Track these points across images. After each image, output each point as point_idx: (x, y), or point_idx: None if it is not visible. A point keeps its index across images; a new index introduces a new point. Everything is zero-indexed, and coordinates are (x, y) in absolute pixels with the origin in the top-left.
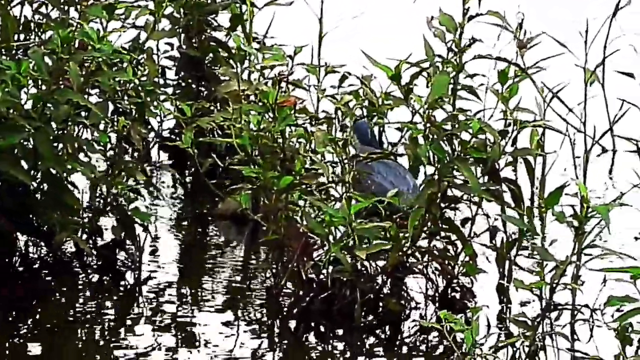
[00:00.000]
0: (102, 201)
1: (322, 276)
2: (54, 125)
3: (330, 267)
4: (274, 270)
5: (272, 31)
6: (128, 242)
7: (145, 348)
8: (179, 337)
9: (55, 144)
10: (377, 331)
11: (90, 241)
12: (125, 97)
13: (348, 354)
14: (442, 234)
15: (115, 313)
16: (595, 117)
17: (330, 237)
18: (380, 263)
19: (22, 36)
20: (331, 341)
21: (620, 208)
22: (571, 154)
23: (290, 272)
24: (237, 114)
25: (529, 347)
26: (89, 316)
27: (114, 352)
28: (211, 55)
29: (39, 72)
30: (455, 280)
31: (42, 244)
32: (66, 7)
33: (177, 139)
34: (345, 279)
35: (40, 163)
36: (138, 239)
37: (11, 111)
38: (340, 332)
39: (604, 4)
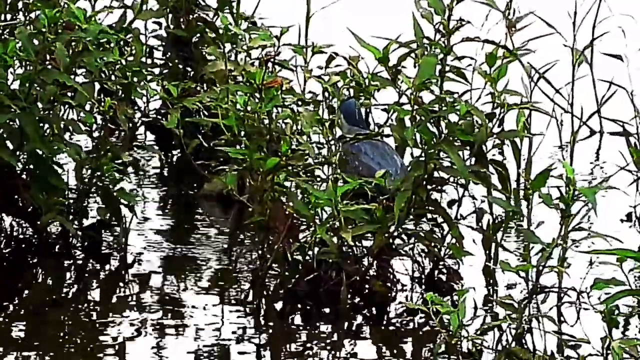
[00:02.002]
0: (87, 182)
1: (308, 258)
2: (40, 105)
3: (316, 249)
4: (259, 252)
5: (260, 11)
6: (114, 223)
7: (131, 330)
8: (165, 318)
9: (41, 125)
10: (364, 313)
11: (76, 222)
12: (112, 78)
13: (334, 336)
14: (429, 216)
15: (101, 294)
16: (583, 99)
17: (316, 219)
18: (367, 244)
19: (8, 16)
20: (317, 323)
21: (606, 191)
22: (558, 136)
23: (276, 253)
24: (223, 95)
25: (516, 330)
26: (74, 297)
27: (99, 333)
28: (198, 35)
29: (25, 53)
30: (441, 262)
31: (27, 225)
32: None
33: (164, 119)
34: (331, 260)
35: (25, 144)
36: (124, 220)
37: None
38: (326, 313)
39: None
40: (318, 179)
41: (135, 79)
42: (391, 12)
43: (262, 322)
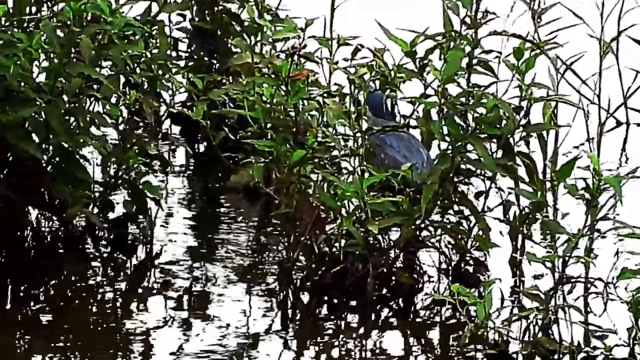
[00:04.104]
0: (113, 175)
1: (334, 250)
2: (65, 98)
3: (343, 241)
4: (286, 244)
5: (285, 3)
6: (140, 216)
7: (157, 322)
8: (191, 311)
9: (67, 118)
10: (390, 304)
11: (102, 215)
12: (137, 70)
13: (361, 328)
14: (456, 208)
15: (127, 287)
16: (610, 90)
17: (343, 211)
18: (393, 237)
19: (34, 9)
20: (344, 314)
21: (633, 181)
22: (585, 127)
23: (302, 245)
24: (249, 87)
25: (542, 320)
26: (100, 290)
27: (125, 325)
28: (223, 27)
29: (50, 45)
30: (468, 254)
31: (54, 218)
32: None
33: (189, 112)
34: (357, 252)
35: (51, 137)
36: (149, 212)
37: (23, 84)
38: (353, 305)
39: None
40: (344, 171)
41: (160, 72)
42: (416, 5)
43: (289, 314)
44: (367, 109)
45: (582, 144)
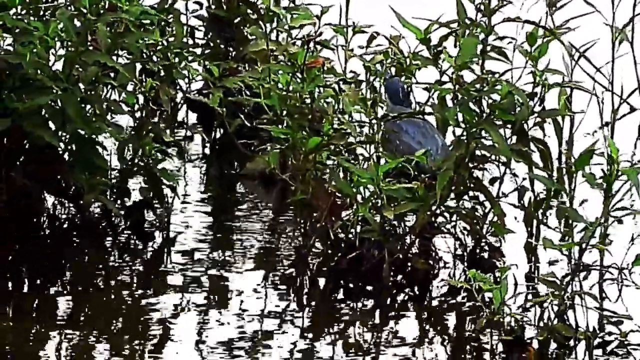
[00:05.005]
0: (129, 162)
1: (350, 236)
2: (81, 86)
3: (359, 227)
4: (302, 230)
5: None
6: (156, 202)
7: (174, 307)
8: (208, 297)
9: (83, 105)
10: (406, 290)
11: (118, 202)
12: (153, 58)
13: (377, 313)
14: (471, 193)
15: (144, 273)
16: (624, 76)
17: (359, 197)
18: (409, 223)
19: None
20: (360, 300)
21: None
22: (599, 114)
23: (318, 232)
24: (265, 74)
25: (558, 306)
26: (117, 276)
27: (142, 311)
28: (239, 15)
29: (67, 34)
30: (483, 240)
31: (70, 205)
32: None
33: (205, 99)
34: (373, 238)
35: (67, 124)
36: (166, 199)
37: (39, 72)
38: (368, 291)
39: None
40: (360, 158)
41: (176, 60)
42: None
43: (305, 300)
44: (385, 96)
45: (595, 131)
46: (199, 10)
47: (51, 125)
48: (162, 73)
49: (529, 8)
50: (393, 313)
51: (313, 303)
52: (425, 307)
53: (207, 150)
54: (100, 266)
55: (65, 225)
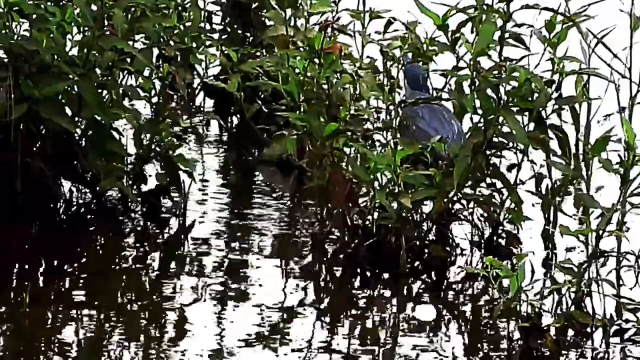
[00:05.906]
0: (146, 148)
1: (367, 223)
2: (98, 72)
3: (376, 214)
4: (319, 217)
5: None
6: (173, 188)
7: (191, 295)
8: (225, 283)
9: (100, 91)
10: (423, 277)
11: (135, 188)
12: (170, 43)
13: (394, 300)
14: (488, 180)
15: (160, 260)
16: None
17: (376, 184)
18: (426, 210)
19: None
20: (377, 287)
21: None
22: (616, 100)
23: (335, 218)
24: (283, 60)
25: (575, 293)
26: (133, 262)
27: (159, 298)
28: (258, 0)
29: (83, 19)
30: (500, 227)
31: (87, 190)
32: None
33: (223, 85)
34: (390, 225)
35: (84, 110)
36: (183, 185)
37: (56, 58)
38: (385, 278)
39: None
40: (377, 144)
41: (193, 45)
42: None
43: (322, 286)
44: (403, 81)
45: (612, 114)
46: None
47: (68, 111)
48: (179, 58)
49: None
50: (410, 300)
51: (330, 290)
52: (442, 294)
53: (224, 136)
54: (116, 252)
55: (81, 211)
